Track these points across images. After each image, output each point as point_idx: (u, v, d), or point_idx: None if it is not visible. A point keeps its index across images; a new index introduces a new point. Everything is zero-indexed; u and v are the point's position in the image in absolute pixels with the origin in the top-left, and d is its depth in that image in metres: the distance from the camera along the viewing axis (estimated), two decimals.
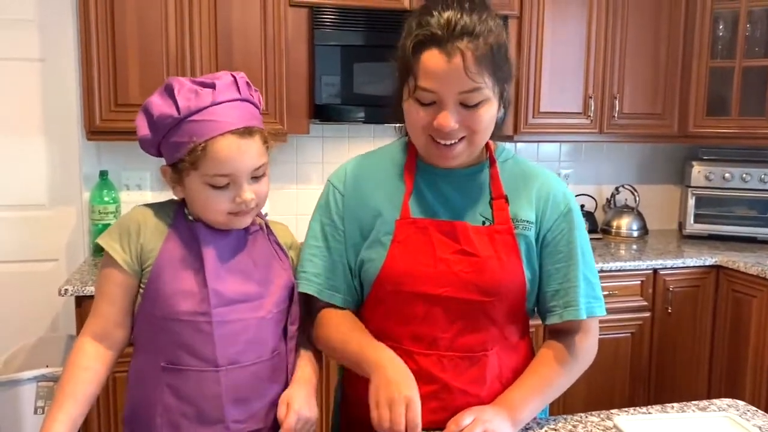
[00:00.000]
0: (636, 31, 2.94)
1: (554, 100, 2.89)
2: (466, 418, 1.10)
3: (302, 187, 2.97)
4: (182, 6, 2.38)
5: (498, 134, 1.22)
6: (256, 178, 1.18)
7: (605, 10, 2.89)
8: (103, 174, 2.61)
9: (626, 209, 3.28)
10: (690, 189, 3.21)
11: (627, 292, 2.73)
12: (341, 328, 1.23)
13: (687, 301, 2.82)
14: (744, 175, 3.10)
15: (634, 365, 2.79)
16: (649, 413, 1.28)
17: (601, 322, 1.31)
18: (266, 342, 1.21)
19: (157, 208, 1.23)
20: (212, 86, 1.14)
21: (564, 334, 1.25)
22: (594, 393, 2.69)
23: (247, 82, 1.20)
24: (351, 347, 1.18)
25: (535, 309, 1.29)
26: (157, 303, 1.15)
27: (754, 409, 1.31)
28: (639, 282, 2.75)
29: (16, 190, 2.59)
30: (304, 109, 2.60)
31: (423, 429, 1.04)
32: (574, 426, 1.24)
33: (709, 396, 2.81)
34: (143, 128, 1.17)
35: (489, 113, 1.13)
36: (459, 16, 1.07)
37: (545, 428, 1.22)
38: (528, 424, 1.21)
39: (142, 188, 2.75)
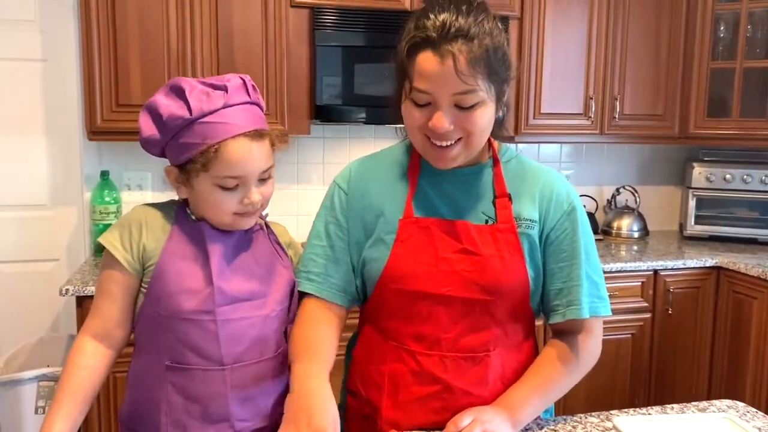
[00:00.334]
0: (637, 32, 2.95)
1: (555, 101, 2.89)
2: (465, 418, 1.10)
3: (303, 188, 2.96)
4: (183, 6, 2.39)
5: (500, 135, 1.23)
6: (263, 180, 1.19)
7: (606, 11, 2.89)
8: (105, 174, 2.61)
9: (627, 210, 3.28)
10: (691, 190, 3.20)
11: (627, 293, 2.73)
12: (302, 340, 1.18)
13: (687, 302, 2.82)
14: (745, 177, 3.10)
15: (634, 366, 2.79)
16: (649, 414, 1.28)
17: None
18: (270, 340, 1.22)
19: (159, 207, 1.24)
20: (224, 88, 1.14)
21: (567, 333, 1.24)
22: (594, 394, 2.69)
23: (253, 85, 1.21)
24: (294, 367, 1.12)
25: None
26: (161, 302, 1.15)
27: (754, 410, 1.31)
28: (639, 283, 2.75)
29: (17, 190, 2.60)
30: (305, 110, 2.60)
31: (424, 429, 1.03)
32: (574, 426, 1.24)
33: (710, 397, 2.81)
34: (148, 128, 1.17)
35: (485, 115, 1.12)
36: (455, 18, 1.07)
37: (545, 429, 1.22)
38: (528, 424, 1.21)
39: (143, 188, 2.76)
